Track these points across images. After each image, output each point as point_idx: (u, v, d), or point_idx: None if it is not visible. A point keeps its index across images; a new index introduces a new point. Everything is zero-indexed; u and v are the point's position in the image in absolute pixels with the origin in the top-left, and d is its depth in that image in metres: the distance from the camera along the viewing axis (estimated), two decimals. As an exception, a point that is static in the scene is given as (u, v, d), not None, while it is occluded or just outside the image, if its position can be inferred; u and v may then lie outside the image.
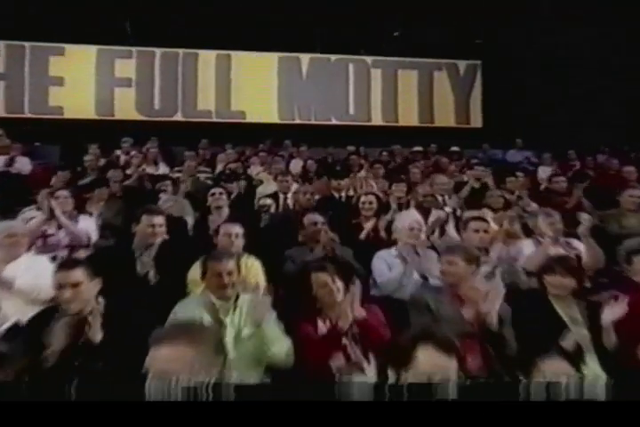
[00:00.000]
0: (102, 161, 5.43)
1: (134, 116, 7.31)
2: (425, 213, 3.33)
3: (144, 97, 7.43)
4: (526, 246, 2.73)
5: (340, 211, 3.67)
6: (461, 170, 5.50)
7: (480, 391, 0.91)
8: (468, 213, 3.37)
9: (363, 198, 3.42)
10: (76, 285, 1.65)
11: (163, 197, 3.28)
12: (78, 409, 0.83)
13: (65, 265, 1.74)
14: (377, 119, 8.04)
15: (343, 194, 4.09)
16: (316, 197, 3.55)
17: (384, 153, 6.49)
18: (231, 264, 1.89)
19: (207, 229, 3.01)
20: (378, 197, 3.52)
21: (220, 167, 5.57)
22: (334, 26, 7.30)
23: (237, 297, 1.89)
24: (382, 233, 3.16)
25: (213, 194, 3.19)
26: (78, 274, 1.68)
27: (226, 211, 3.25)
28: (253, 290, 2.09)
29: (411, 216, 2.87)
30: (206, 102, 7.58)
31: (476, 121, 8.21)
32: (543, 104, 7.42)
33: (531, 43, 7.36)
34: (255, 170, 5.53)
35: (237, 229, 2.41)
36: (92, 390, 0.85)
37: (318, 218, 2.74)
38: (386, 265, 2.58)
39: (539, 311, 1.97)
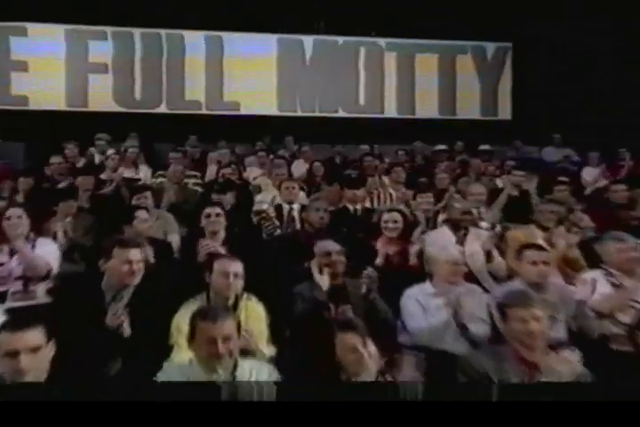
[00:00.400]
0: (80, 162, 5.24)
1: (111, 107, 7.08)
2: (459, 231, 3.18)
3: (122, 85, 7.19)
4: (598, 284, 2.50)
5: (356, 227, 3.56)
6: (494, 173, 5.35)
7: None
8: (516, 233, 3.22)
9: (386, 216, 3.22)
10: (34, 349, 1.43)
11: (140, 215, 2.97)
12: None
13: (17, 324, 1.47)
14: (391, 111, 7.84)
15: (359, 207, 3.88)
16: (328, 210, 3.33)
17: (400, 152, 6.28)
18: (229, 326, 1.70)
19: (196, 254, 2.84)
20: (403, 215, 3.33)
21: (211, 170, 5.37)
22: (342, 3, 7.05)
23: (235, 366, 1.71)
24: (413, 259, 3.01)
25: (209, 216, 2.98)
26: (36, 336, 1.45)
27: (222, 235, 3.04)
28: (255, 353, 1.93)
29: (449, 246, 2.71)
30: (195, 92, 7.37)
31: (505, 113, 7.97)
32: (584, 93, 7.15)
33: (570, 23, 7.09)
34: (252, 173, 5.31)
35: (237, 268, 2.24)
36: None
37: (333, 246, 2.52)
38: (420, 308, 2.42)
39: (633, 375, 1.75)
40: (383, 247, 3.04)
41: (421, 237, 3.19)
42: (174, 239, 3.37)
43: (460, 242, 3.06)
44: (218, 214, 3.04)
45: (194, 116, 7.16)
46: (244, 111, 7.39)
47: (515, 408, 1.00)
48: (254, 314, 2.22)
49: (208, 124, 6.86)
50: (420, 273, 2.75)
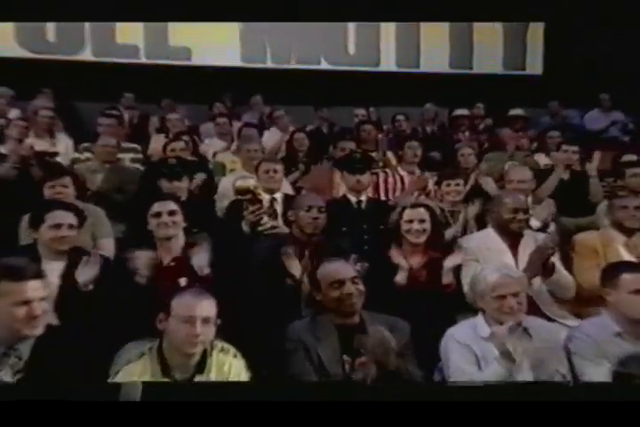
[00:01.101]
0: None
1: (15, 51, 6.50)
2: (510, 236, 3.00)
3: (30, 24, 6.63)
4: None
5: (361, 228, 3.47)
6: (529, 148, 5.26)
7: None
8: (589, 239, 3.09)
9: (408, 214, 2.98)
10: None
11: (60, 218, 2.60)
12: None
13: None
14: (388, 63, 7.48)
15: (364, 198, 3.68)
16: (324, 207, 3.01)
17: (399, 117, 6.03)
18: None
19: (139, 274, 2.62)
20: (432, 212, 3.07)
21: (157, 142, 5.12)
22: None
23: None
24: (448, 278, 2.85)
25: (159, 215, 2.70)
26: None
27: (180, 241, 2.75)
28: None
29: (503, 263, 2.59)
30: (130, 33, 6.81)
31: (535, 65, 7.62)
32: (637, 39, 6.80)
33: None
34: (211, 146, 5.20)
35: (207, 310, 1.97)
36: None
37: (346, 271, 2.27)
38: (468, 356, 2.22)
39: None
40: (405, 259, 2.85)
41: (459, 245, 2.99)
42: (107, 248, 3.11)
43: (514, 253, 2.91)
44: (172, 212, 2.73)
45: (129, 66, 6.75)
46: (196, 61, 7.01)
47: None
48: (230, 375, 2.01)
49: (149, 79, 6.54)
50: (457, 295, 2.75)
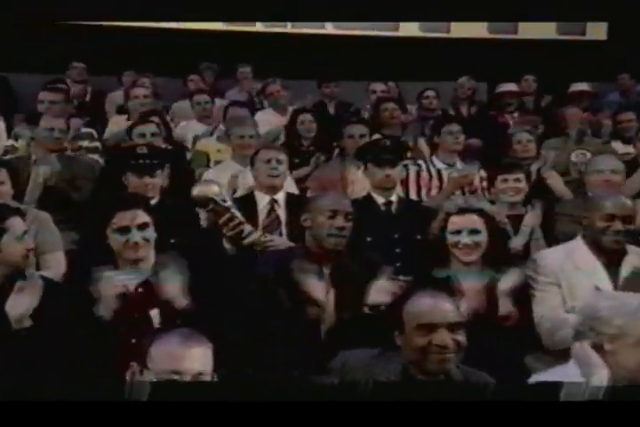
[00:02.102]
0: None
1: None
2: (608, 251, 2.86)
3: None
4: None
5: (391, 237, 3.49)
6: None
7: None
8: None
9: (455, 222, 2.88)
10: None
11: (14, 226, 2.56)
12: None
13: None
14: (410, 26, 7.52)
15: (394, 198, 3.65)
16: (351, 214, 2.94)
17: (429, 93, 5.96)
18: None
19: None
20: (488, 219, 2.95)
21: (117, 123, 5.22)
22: None
23: None
24: (505, 307, 2.77)
25: (124, 230, 2.58)
26: None
27: (151, 259, 2.65)
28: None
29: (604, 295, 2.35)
30: None
31: (597, 30, 7.67)
32: None
33: None
34: (190, 130, 5.26)
35: (201, 361, 1.88)
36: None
37: (445, 314, 2.14)
38: None
39: None
40: (467, 284, 2.79)
41: (536, 262, 2.87)
42: (54, 266, 3.07)
43: (613, 275, 2.77)
44: (143, 226, 2.58)
45: (80, 26, 6.70)
46: (168, 23, 6.98)
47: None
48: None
49: (106, 44, 6.58)
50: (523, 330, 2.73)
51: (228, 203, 3.12)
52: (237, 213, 3.09)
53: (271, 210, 3.48)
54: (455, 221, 2.83)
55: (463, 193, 4.04)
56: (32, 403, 1.77)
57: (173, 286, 2.53)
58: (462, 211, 2.87)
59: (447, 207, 2.98)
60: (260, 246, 3.13)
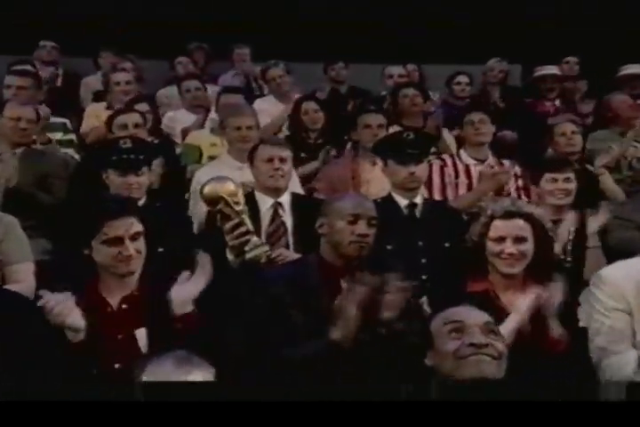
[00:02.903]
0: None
1: None
2: None
3: None
4: None
5: (414, 244, 3.56)
6: None
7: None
8: None
9: (499, 227, 2.85)
10: None
11: None
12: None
13: None
14: None
15: (418, 200, 3.69)
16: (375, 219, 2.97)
17: (461, 78, 6.07)
18: None
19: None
20: (533, 222, 2.92)
21: (94, 112, 5.28)
22: None
23: None
24: (557, 330, 2.72)
25: (116, 241, 2.59)
26: None
27: (137, 274, 2.64)
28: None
29: None
30: None
31: None
32: None
33: None
34: (179, 121, 5.33)
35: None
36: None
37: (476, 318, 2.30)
38: None
39: None
40: (508, 300, 2.80)
41: (600, 278, 2.73)
42: (22, 278, 3.10)
43: None
44: (136, 235, 2.58)
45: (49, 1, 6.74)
46: None
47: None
48: None
49: (79, 21, 6.67)
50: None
51: (241, 207, 3.15)
52: (247, 221, 3.12)
53: (275, 215, 3.50)
54: (499, 227, 2.81)
55: (496, 193, 4.05)
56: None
57: (188, 291, 2.55)
58: (509, 215, 2.86)
59: (492, 209, 2.95)
60: (264, 259, 3.16)
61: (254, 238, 3.13)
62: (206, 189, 3.21)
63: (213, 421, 1.67)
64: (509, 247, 2.77)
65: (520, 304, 2.74)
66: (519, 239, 2.79)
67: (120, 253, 2.51)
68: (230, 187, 3.16)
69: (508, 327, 2.61)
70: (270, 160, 3.53)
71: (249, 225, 3.14)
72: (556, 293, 2.75)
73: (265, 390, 1.81)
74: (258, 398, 1.70)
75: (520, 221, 2.83)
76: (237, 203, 3.13)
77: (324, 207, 2.96)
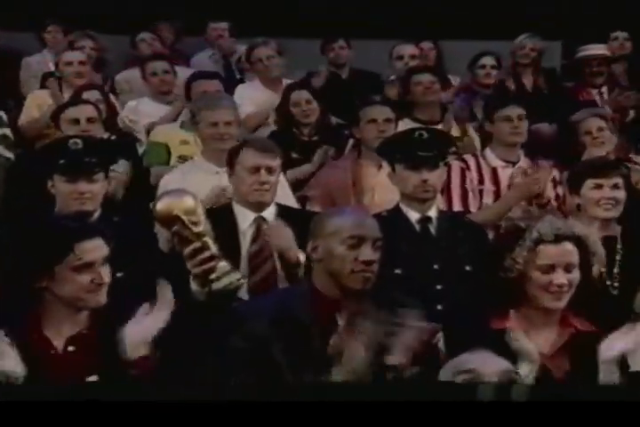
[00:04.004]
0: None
1: None
2: None
3: None
4: None
5: (429, 268, 3.62)
6: None
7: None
8: None
9: (548, 253, 2.87)
10: None
11: None
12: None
13: None
14: None
15: (433, 212, 3.70)
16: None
17: (486, 60, 6.02)
18: None
19: None
20: (579, 244, 2.95)
21: (36, 106, 5.29)
22: None
23: None
24: (610, 374, 2.78)
25: (89, 267, 2.61)
26: None
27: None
28: None
29: None
30: None
31: None
32: None
33: None
34: (142, 113, 5.30)
35: None
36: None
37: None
38: None
39: None
40: (528, 337, 2.85)
41: None
42: None
43: None
44: (106, 258, 2.62)
45: None
46: None
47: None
48: None
49: None
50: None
51: (201, 227, 3.13)
52: (211, 243, 3.11)
53: (258, 233, 3.52)
54: (549, 253, 2.82)
55: (529, 203, 4.10)
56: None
57: (147, 329, 2.56)
58: (560, 238, 2.88)
59: (540, 232, 2.93)
60: (234, 289, 3.16)
61: (221, 264, 3.12)
62: (158, 207, 3.19)
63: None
64: (560, 277, 2.80)
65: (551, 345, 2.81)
66: (569, 267, 2.82)
67: (93, 281, 2.54)
68: (187, 203, 3.13)
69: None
70: (256, 170, 3.55)
71: (213, 249, 3.12)
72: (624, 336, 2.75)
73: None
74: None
75: (569, 246, 2.86)
76: (196, 223, 3.11)
77: (317, 226, 2.94)
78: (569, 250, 2.84)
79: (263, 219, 3.57)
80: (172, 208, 3.09)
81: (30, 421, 1.93)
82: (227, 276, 3.13)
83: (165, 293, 2.63)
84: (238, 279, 3.14)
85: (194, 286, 3.08)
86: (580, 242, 2.90)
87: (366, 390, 2.32)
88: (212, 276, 3.09)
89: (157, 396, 2.11)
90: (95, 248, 2.59)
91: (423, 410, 1.99)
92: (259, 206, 3.58)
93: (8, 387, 2.27)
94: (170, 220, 3.10)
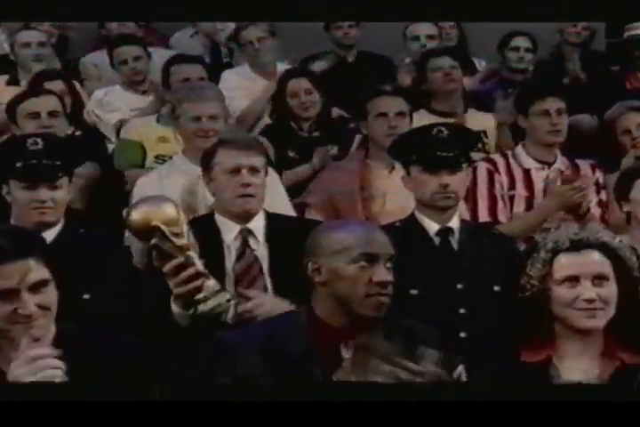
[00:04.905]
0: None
1: None
2: None
3: None
4: None
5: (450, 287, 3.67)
6: None
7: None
8: None
9: (567, 263, 2.84)
10: None
11: None
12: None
13: None
14: None
15: (454, 223, 3.74)
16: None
17: (519, 41, 6.08)
18: None
19: None
20: (612, 255, 2.93)
21: None
22: None
23: None
24: None
25: (9, 295, 2.55)
26: None
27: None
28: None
29: None
30: None
31: None
32: None
33: None
34: (112, 106, 5.46)
35: None
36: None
37: None
38: None
39: None
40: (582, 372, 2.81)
41: None
42: None
43: None
44: (39, 285, 2.57)
45: None
46: None
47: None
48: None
49: None
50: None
51: (184, 240, 3.13)
52: (196, 258, 3.11)
53: (244, 247, 3.56)
54: (567, 263, 2.81)
55: (569, 212, 4.10)
56: None
57: None
58: (578, 245, 2.86)
59: (554, 240, 2.93)
60: (227, 313, 3.17)
61: (209, 282, 3.11)
62: (134, 216, 3.16)
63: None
64: (587, 291, 2.77)
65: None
66: (599, 278, 2.79)
67: (16, 310, 2.53)
68: (168, 212, 3.13)
69: None
70: (236, 171, 3.57)
71: (198, 264, 3.12)
72: None
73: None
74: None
75: (595, 254, 2.84)
76: (178, 235, 3.11)
77: (317, 243, 2.91)
78: (594, 259, 2.82)
79: (250, 231, 3.60)
80: (149, 218, 3.08)
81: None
82: (215, 297, 3.12)
83: None
84: (228, 300, 3.14)
85: (175, 307, 3.08)
86: (608, 251, 2.88)
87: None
88: (199, 296, 3.08)
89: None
90: (19, 272, 2.54)
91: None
92: (244, 216, 3.61)
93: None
94: (147, 231, 3.09)
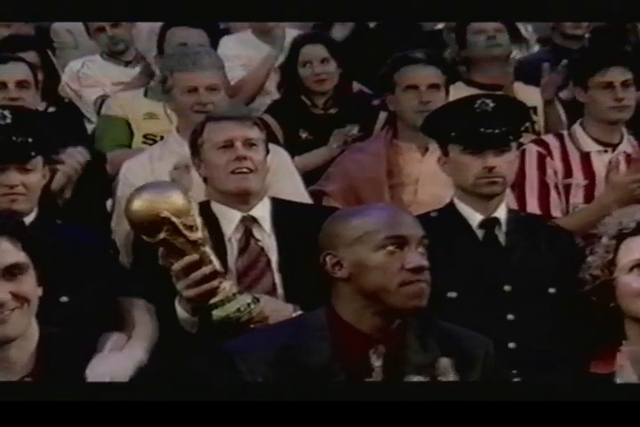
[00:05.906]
0: None
1: None
2: None
3: None
4: None
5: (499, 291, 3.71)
6: None
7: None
8: None
9: (633, 248, 2.94)
10: None
11: None
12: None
13: None
14: None
15: (501, 213, 3.78)
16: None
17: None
18: None
19: None
20: None
21: None
22: None
23: None
24: None
25: None
26: None
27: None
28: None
29: None
30: None
31: None
32: None
33: None
34: (92, 78, 5.58)
35: None
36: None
37: None
38: None
39: None
40: None
41: None
42: None
43: None
44: (12, 270, 2.59)
45: None
46: None
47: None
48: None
49: None
50: None
51: (199, 234, 3.15)
52: (212, 255, 3.14)
53: (247, 238, 3.61)
54: (635, 247, 2.88)
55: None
56: None
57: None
58: None
59: (619, 224, 3.01)
60: (244, 318, 3.17)
61: (226, 284, 3.16)
62: (136, 207, 3.17)
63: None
64: None
65: None
66: None
67: None
68: (177, 201, 3.15)
69: None
70: (228, 145, 3.58)
71: (215, 262, 3.16)
72: None
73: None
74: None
75: None
76: (191, 228, 3.13)
77: (334, 233, 2.84)
78: None
79: (253, 219, 3.63)
80: (157, 208, 3.11)
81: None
82: (234, 300, 3.17)
83: (144, 319, 2.67)
84: (249, 304, 3.17)
85: (182, 312, 3.13)
86: None
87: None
88: (215, 300, 3.12)
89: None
90: None
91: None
92: (243, 198, 3.63)
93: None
94: (154, 224, 3.11)
